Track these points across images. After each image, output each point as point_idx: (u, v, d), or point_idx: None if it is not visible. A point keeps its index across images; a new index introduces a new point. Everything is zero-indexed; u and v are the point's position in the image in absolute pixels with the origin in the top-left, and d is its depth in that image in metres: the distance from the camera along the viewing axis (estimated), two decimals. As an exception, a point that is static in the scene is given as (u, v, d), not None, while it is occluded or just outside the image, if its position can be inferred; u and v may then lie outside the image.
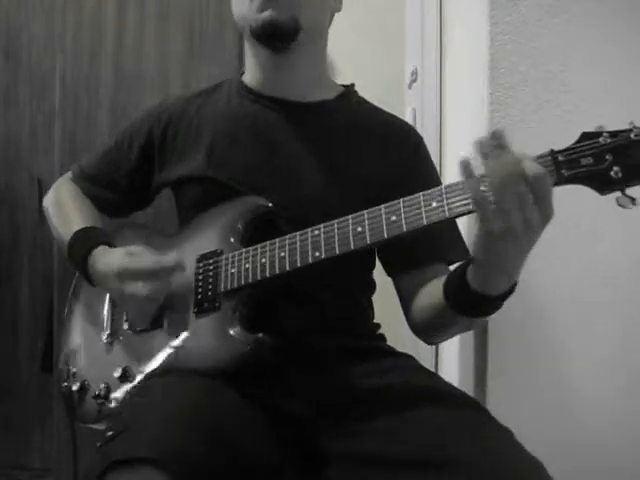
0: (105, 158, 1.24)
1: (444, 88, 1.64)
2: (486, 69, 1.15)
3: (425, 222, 0.84)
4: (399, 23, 1.85)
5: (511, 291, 0.87)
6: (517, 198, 0.75)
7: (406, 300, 1.10)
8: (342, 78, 1.26)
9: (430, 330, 1.07)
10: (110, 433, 0.82)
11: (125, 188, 1.22)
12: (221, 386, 0.92)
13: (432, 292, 1.01)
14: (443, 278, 0.96)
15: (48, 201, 1.28)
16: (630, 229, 1.15)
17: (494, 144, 0.77)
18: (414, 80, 1.75)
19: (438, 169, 1.34)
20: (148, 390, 0.94)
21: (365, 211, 0.89)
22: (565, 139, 0.79)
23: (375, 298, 1.18)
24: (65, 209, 1.22)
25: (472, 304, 0.89)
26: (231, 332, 0.97)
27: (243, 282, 0.98)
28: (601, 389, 1.16)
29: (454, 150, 1.53)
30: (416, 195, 0.86)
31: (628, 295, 1.16)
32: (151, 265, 1.00)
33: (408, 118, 1.73)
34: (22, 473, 2.23)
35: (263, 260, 0.97)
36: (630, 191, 0.76)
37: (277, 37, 1.09)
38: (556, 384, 1.16)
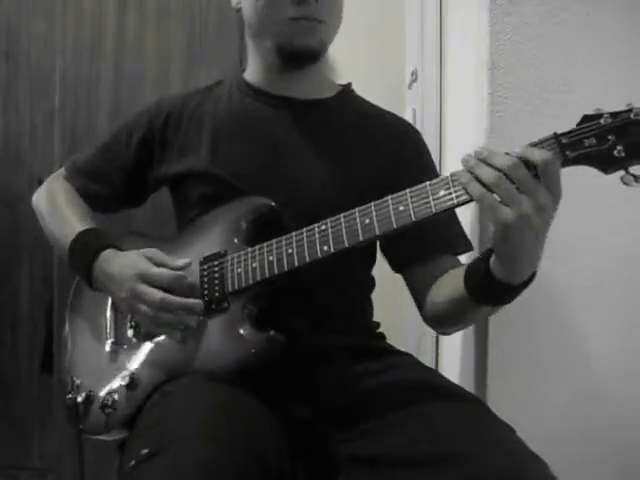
0: (101, 153, 1.23)
1: (444, 88, 1.64)
2: (486, 69, 1.15)
3: (434, 210, 0.85)
4: (399, 23, 1.85)
5: (532, 278, 0.88)
6: (523, 186, 0.77)
7: (419, 294, 1.10)
8: (342, 78, 1.26)
9: (448, 321, 1.07)
10: (145, 451, 0.81)
11: (120, 184, 1.21)
12: (236, 391, 0.92)
13: (449, 284, 1.01)
14: (461, 269, 0.97)
15: (40, 199, 1.25)
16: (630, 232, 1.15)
17: (479, 157, 0.80)
18: (414, 80, 1.75)
19: (438, 169, 1.35)
20: (168, 399, 0.93)
21: (372, 203, 0.89)
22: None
23: (375, 297, 1.19)
24: (61, 209, 1.20)
25: (495, 293, 0.89)
26: (241, 331, 0.97)
27: (251, 281, 0.98)
28: (602, 388, 1.16)
29: (454, 150, 1.53)
30: (423, 185, 0.86)
31: (629, 297, 1.16)
32: (173, 276, 1.00)
33: (408, 118, 1.73)
34: (22, 473, 2.23)
35: (270, 258, 0.97)
36: (633, 169, 0.77)
37: (304, 61, 1.11)
38: (556, 383, 1.16)
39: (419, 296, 1.11)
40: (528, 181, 0.77)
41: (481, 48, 1.17)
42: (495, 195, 0.79)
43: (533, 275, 0.88)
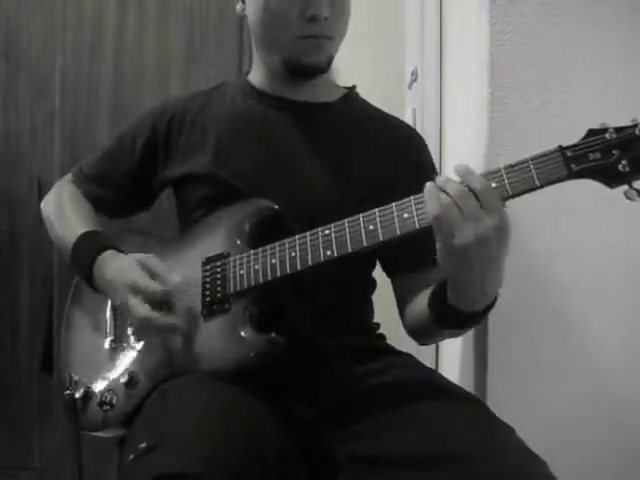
0: (107, 158, 1.24)
1: (444, 88, 1.64)
2: (486, 69, 1.15)
3: None
4: (399, 23, 1.85)
5: (489, 308, 0.90)
6: (467, 214, 0.79)
7: (402, 302, 1.12)
8: (342, 78, 1.26)
9: (421, 334, 1.10)
10: (144, 445, 0.81)
11: (127, 188, 1.22)
12: (237, 390, 0.92)
13: (422, 301, 1.02)
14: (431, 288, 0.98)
15: (48, 204, 1.26)
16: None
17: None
18: (414, 80, 1.76)
19: (438, 169, 1.35)
20: (168, 396, 0.94)
21: (376, 209, 0.90)
22: (565, 139, 0.80)
23: (375, 298, 1.19)
24: (66, 213, 1.20)
25: (450, 318, 0.92)
26: (242, 333, 0.97)
27: (253, 283, 0.98)
28: (602, 389, 1.16)
29: (454, 150, 1.53)
30: None
31: (630, 298, 1.16)
32: (163, 293, 1.00)
33: (408, 118, 1.73)
34: (22, 473, 2.23)
35: (273, 260, 0.97)
36: (637, 184, 0.78)
37: (312, 75, 1.11)
38: (556, 383, 1.16)
39: (401, 303, 1.12)
40: (473, 209, 0.79)
41: (481, 48, 1.17)
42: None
43: (490, 306, 0.89)
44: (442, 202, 0.80)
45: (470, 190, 0.80)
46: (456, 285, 0.87)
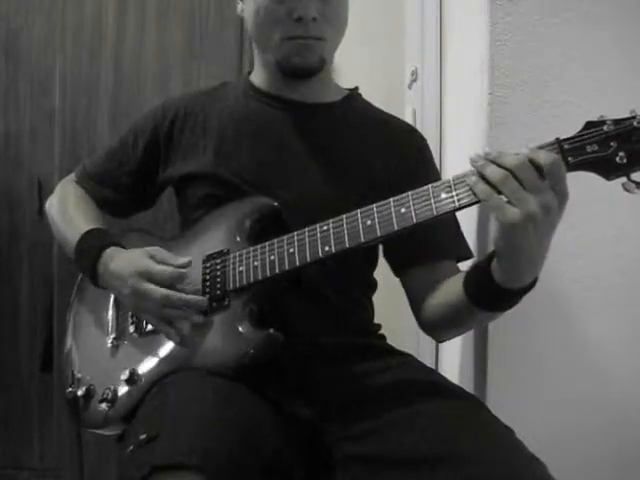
0: (109, 158, 1.24)
1: (444, 88, 1.64)
2: (486, 69, 1.15)
3: (435, 213, 0.84)
4: (399, 23, 1.84)
5: (532, 285, 0.88)
6: (529, 185, 0.77)
7: (417, 299, 1.10)
8: (342, 78, 1.27)
9: (443, 327, 1.07)
10: (143, 437, 0.82)
11: (130, 187, 1.22)
12: (237, 385, 0.93)
13: (448, 288, 1.02)
14: (462, 273, 0.97)
15: (52, 204, 1.27)
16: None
17: (488, 157, 0.80)
18: (414, 80, 1.75)
19: (438, 169, 1.34)
20: (168, 390, 0.94)
21: (374, 205, 0.90)
22: (565, 139, 0.80)
23: (376, 297, 1.19)
24: (70, 212, 1.21)
25: (494, 298, 0.90)
26: (240, 329, 0.98)
27: (252, 279, 0.98)
28: (602, 389, 1.16)
29: (454, 150, 1.53)
30: (424, 187, 0.86)
31: (631, 297, 1.16)
32: (175, 273, 1.00)
33: (408, 118, 1.73)
34: (22, 473, 2.23)
35: (272, 257, 0.97)
36: (635, 176, 0.78)
37: (304, 77, 1.11)
38: (556, 384, 1.16)
39: (416, 300, 1.11)
40: (534, 181, 0.77)
41: (481, 48, 1.17)
42: (502, 196, 0.79)
43: (533, 282, 0.87)
44: (495, 178, 0.78)
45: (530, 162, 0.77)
46: (509, 258, 0.83)
